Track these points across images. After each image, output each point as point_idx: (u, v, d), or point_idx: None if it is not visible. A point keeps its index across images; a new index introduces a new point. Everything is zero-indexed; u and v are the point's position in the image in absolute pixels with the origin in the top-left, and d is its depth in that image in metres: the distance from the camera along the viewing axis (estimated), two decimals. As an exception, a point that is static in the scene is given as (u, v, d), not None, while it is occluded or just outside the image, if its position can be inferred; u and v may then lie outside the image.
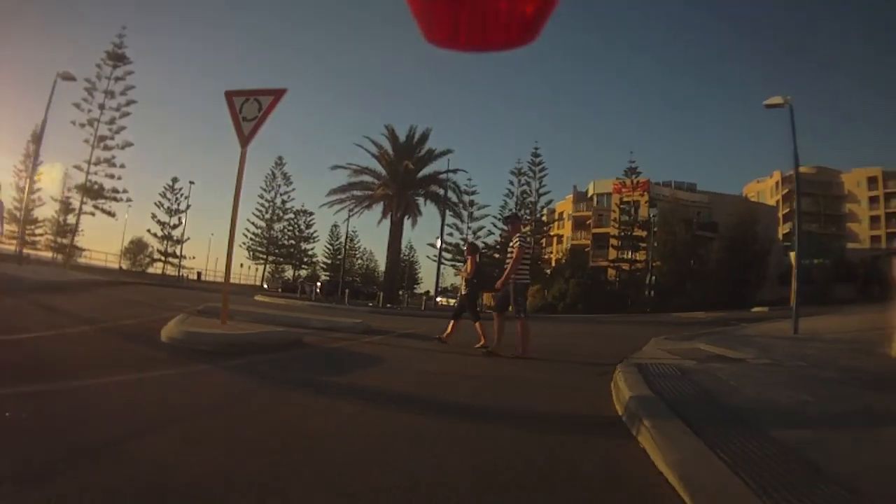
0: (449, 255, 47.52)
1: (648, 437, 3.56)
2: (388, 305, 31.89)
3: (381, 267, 59.72)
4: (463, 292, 10.73)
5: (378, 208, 39.50)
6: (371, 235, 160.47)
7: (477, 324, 9.69)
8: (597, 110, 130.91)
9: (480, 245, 41.99)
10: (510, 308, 8.93)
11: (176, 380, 4.77)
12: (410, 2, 0.80)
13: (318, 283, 46.04)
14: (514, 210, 48.44)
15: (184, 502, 2.20)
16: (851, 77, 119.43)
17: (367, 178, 40.03)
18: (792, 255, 32.27)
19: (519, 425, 4.18)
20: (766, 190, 75.42)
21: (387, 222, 38.95)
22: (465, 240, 46.29)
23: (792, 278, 17.00)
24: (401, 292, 40.92)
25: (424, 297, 39.20)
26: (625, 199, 50.17)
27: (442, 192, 39.22)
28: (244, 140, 8.39)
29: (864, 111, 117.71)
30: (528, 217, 50.58)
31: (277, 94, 8.54)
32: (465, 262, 10.67)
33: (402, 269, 62.10)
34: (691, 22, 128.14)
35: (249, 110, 8.47)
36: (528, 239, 9.78)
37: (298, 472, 2.67)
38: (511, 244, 9.07)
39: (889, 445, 3.61)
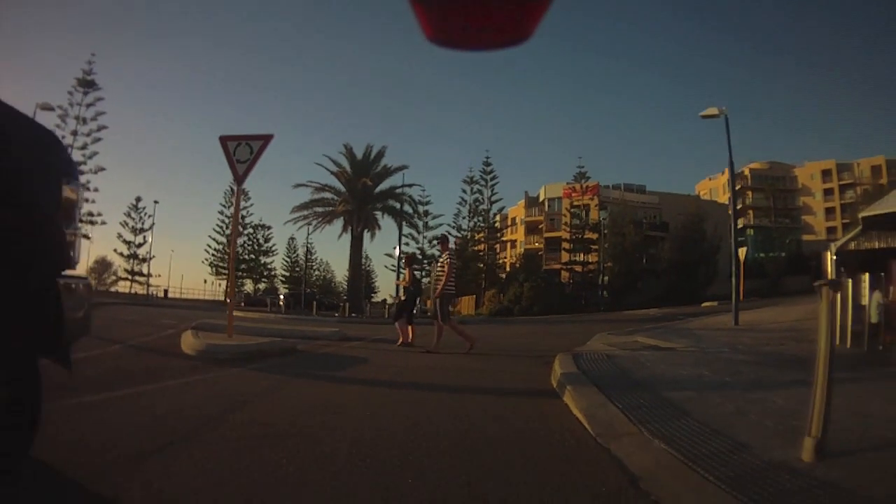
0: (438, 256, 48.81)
1: (569, 396, 5.24)
2: (353, 315, 33.45)
3: (338, 277, 60.98)
4: (402, 298, 12.44)
5: (338, 222, 41.07)
6: (326, 247, 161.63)
7: (410, 326, 11.46)
8: (547, 114, 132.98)
9: (437, 253, 43.86)
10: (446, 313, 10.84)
11: (223, 379, 6.24)
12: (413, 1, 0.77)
13: (282, 297, 47.18)
14: (467, 217, 50.51)
15: (284, 440, 3.70)
16: (809, 72, 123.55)
17: (327, 195, 41.60)
18: (741, 251, 34.30)
19: (481, 394, 5.91)
20: (718, 187, 76.29)
21: (346, 236, 40.67)
22: (421, 249, 47.88)
23: (732, 274, 18.07)
24: (367, 303, 42.51)
25: (388, 306, 40.73)
26: (575, 203, 51.53)
27: (398, 205, 40.99)
28: (239, 179, 9.83)
29: (821, 105, 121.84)
30: (482, 224, 52.40)
31: (266, 139, 9.98)
32: (403, 271, 12.43)
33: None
34: (640, 20, 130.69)
35: (242, 153, 9.88)
36: (456, 258, 11.53)
37: (341, 422, 4.24)
38: (441, 260, 10.93)
39: (748, 400, 5.03)
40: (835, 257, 12.47)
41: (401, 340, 11.07)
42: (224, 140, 9.99)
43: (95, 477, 2.74)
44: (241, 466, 3.02)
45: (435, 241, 48.82)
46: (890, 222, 10.37)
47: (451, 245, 13.49)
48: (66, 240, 2.65)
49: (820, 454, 3.11)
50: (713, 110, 18.26)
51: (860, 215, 11.56)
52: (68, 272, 2.70)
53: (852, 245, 12.59)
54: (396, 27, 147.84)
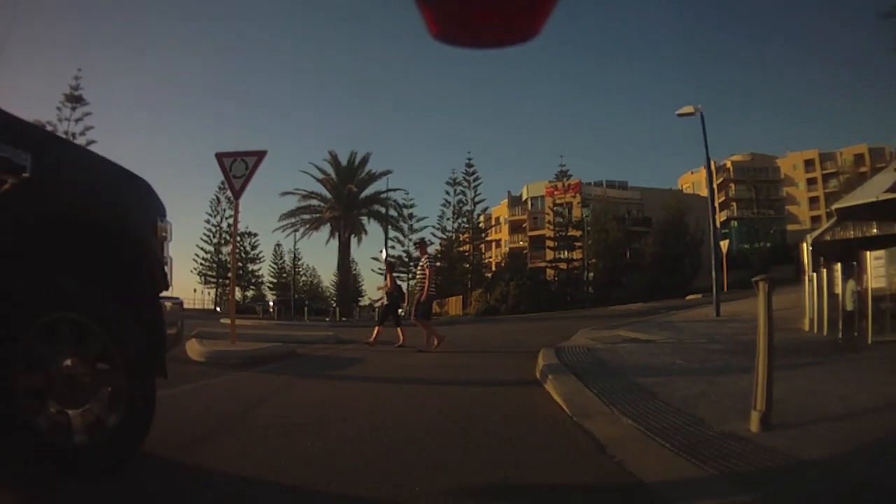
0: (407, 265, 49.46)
1: (550, 384, 5.88)
2: (344, 319, 34.08)
3: (325, 283, 61.45)
4: (386, 302, 13.13)
5: (325, 228, 41.69)
6: (312, 252, 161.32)
7: (377, 327, 12.32)
8: (527, 113, 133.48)
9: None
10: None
11: (235, 382, 6.82)
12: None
13: (272, 303, 47.67)
14: (451, 219, 51.20)
15: (305, 427, 4.28)
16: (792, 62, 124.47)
17: (314, 202, 42.27)
18: (723, 243, 34.96)
19: (472, 386, 6.62)
20: (700, 180, 74.16)
21: (333, 241, 41.34)
22: (407, 252, 48.41)
23: (713, 267, 18.82)
24: (356, 307, 43.13)
25: (376, 309, 41.32)
26: (558, 202, 51.91)
27: (384, 210, 41.65)
28: (236, 194, 10.41)
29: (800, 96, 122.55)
30: (467, 225, 52.95)
31: (260, 154, 10.55)
32: (385, 277, 13.16)
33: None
34: (616, 12, 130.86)
35: (238, 169, 10.43)
36: (435, 261, 12.18)
37: (351, 412, 4.85)
38: (420, 264, 11.65)
39: (713, 384, 5.64)
40: (811, 248, 13.06)
41: (373, 338, 11.80)
42: (220, 157, 10.52)
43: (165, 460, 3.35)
44: (277, 447, 3.63)
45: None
46: (864, 212, 10.91)
47: (429, 250, 14.20)
48: (164, 266, 3.33)
49: (765, 425, 3.73)
50: (689, 109, 18.69)
51: (834, 207, 12.15)
52: (164, 293, 3.38)
53: (828, 236, 13.18)
54: (375, 32, 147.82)
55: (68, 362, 2.64)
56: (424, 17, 0.75)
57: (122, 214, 3.16)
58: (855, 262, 9.42)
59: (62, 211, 2.73)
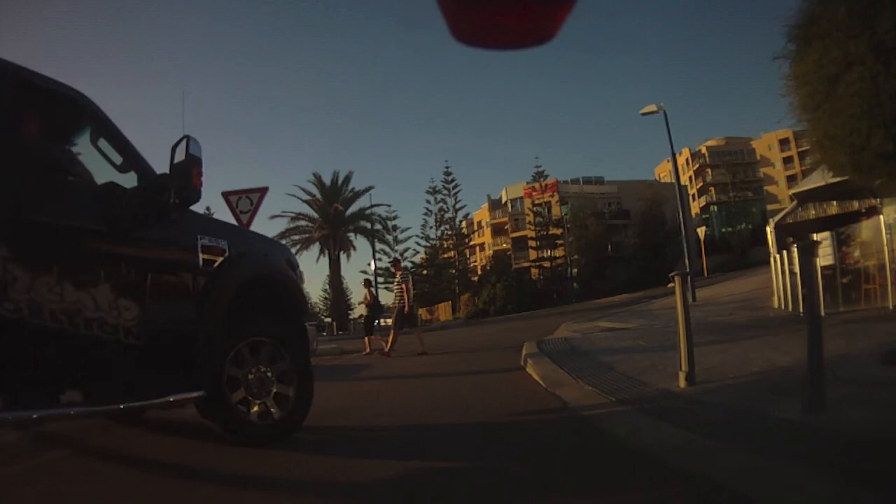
0: (381, 279, 50.43)
1: (531, 367, 7.28)
2: (341, 332, 35.46)
3: (314, 298, 62.66)
4: (365, 314, 15.16)
5: (314, 247, 43.00)
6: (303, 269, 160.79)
7: (366, 338, 14.41)
8: (499, 116, 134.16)
9: (410, 266, 47.64)
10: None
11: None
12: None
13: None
14: (434, 227, 52.71)
15: (362, 405, 5.60)
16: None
17: (302, 222, 43.63)
18: (700, 230, 36.09)
19: (468, 375, 8.08)
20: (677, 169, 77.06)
21: (324, 259, 42.66)
22: (392, 263, 49.22)
23: (684, 255, 19.83)
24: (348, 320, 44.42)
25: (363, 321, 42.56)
26: (536, 202, 52.93)
27: (369, 225, 43.03)
28: (244, 227, 11.65)
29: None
30: (450, 232, 54.01)
31: (263, 191, 11.78)
32: (365, 293, 15.27)
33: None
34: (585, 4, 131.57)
35: (243, 205, 11.65)
36: (408, 275, 13.71)
37: (375, 401, 6.22)
38: (396, 281, 13.17)
39: (664, 358, 6.63)
40: (773, 231, 14.16)
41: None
42: (226, 195, 11.71)
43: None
44: (364, 414, 5.01)
45: (405, 253, 50.76)
46: (822, 194, 11.94)
47: (416, 258, 16.20)
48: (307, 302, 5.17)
49: (690, 382, 5.10)
50: (652, 107, 19.69)
51: (790, 192, 13.27)
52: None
53: (790, 219, 14.33)
54: (344, 48, 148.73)
55: (262, 367, 4.29)
56: (445, 19, 0.76)
57: (282, 270, 4.89)
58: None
59: (248, 272, 4.39)
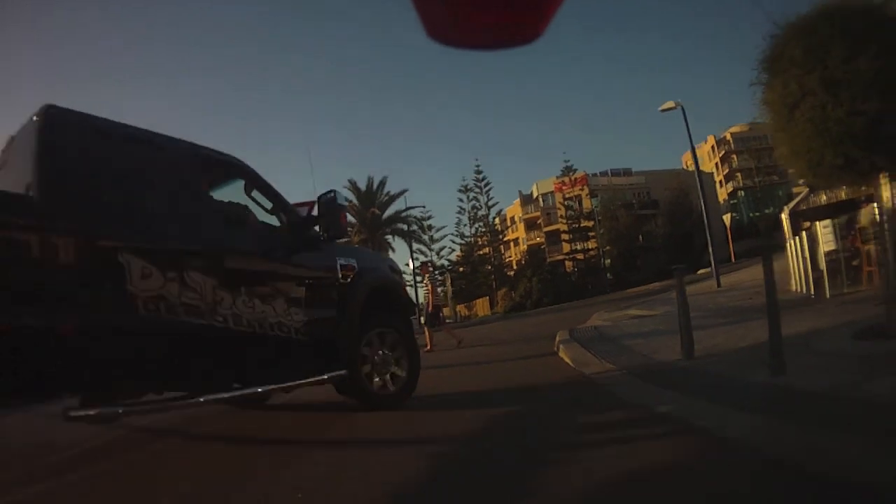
0: (420, 277, 50.78)
1: (562, 352, 8.55)
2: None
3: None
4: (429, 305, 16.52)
5: (355, 251, 44.44)
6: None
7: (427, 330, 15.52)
8: (527, 111, 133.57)
9: (446, 263, 50.30)
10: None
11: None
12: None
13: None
14: (468, 224, 54.10)
15: (433, 385, 6.92)
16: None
17: (341, 229, 45.04)
18: (726, 217, 36.39)
19: (507, 361, 9.35)
20: (702, 156, 71.75)
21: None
22: (431, 261, 50.21)
23: (709, 244, 20.99)
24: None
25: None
26: (567, 196, 53.31)
27: (406, 227, 44.33)
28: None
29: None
30: (484, 229, 55.12)
31: (311, 204, 13.14)
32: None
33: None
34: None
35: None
36: (436, 275, 15.11)
37: (445, 378, 7.56)
38: (423, 282, 15.20)
39: (676, 339, 7.40)
40: (788, 217, 14.83)
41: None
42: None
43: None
44: (441, 390, 6.33)
45: (441, 252, 52.09)
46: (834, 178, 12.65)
47: (452, 256, 17.29)
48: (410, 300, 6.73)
49: (689, 357, 6.31)
50: (670, 104, 20.98)
51: (800, 182, 13.88)
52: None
53: (803, 206, 15.03)
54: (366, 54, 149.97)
55: (383, 350, 5.78)
56: (420, 16, 0.73)
57: (392, 278, 6.48)
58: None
59: (372, 282, 5.87)
